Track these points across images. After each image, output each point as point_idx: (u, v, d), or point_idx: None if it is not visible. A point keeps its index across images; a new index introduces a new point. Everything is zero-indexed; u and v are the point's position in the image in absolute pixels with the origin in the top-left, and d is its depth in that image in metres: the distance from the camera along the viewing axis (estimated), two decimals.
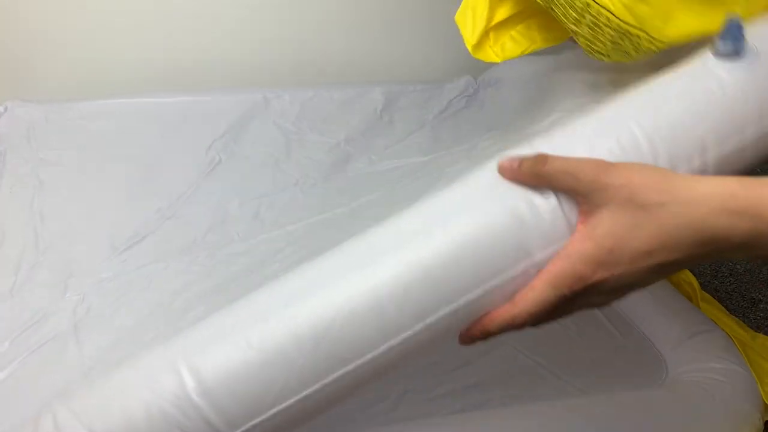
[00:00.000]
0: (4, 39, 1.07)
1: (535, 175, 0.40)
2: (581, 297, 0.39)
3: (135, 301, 0.64)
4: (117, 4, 1.08)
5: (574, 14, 0.63)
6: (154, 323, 0.60)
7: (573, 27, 0.65)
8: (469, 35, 0.70)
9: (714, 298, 0.92)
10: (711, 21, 0.55)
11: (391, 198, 0.77)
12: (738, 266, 1.17)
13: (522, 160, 0.41)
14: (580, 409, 0.65)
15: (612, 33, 0.62)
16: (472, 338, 0.42)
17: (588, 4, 0.61)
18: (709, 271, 1.17)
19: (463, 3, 0.70)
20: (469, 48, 0.70)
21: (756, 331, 0.84)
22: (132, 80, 1.13)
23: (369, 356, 0.38)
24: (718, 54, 0.47)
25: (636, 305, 0.82)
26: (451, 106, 1.06)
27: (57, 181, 0.84)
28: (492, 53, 0.71)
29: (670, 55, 0.61)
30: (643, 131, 0.42)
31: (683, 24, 0.57)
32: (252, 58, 1.18)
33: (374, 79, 1.16)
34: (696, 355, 0.74)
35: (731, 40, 0.46)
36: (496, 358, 0.72)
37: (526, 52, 0.72)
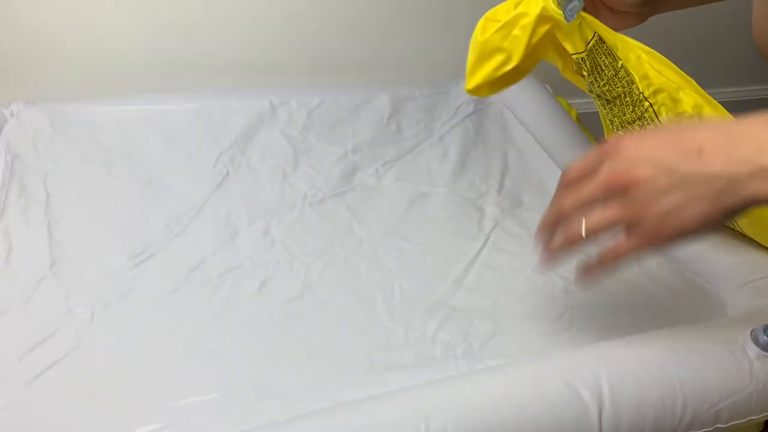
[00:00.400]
0: (7, 38, 1.06)
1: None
2: (615, 157, 0.46)
3: (144, 326, 0.65)
4: (121, 4, 1.07)
5: (633, 113, 0.69)
6: (165, 356, 0.61)
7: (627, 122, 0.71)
8: (477, 79, 0.71)
9: None
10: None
11: (400, 229, 0.79)
12: None
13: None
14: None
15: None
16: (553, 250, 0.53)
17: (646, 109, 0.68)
18: None
19: (478, 47, 0.69)
20: (468, 88, 0.72)
21: None
22: (136, 80, 1.12)
23: None
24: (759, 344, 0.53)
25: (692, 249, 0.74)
26: (458, 113, 1.06)
27: (64, 194, 0.83)
28: (486, 90, 0.73)
29: None
30: None
31: None
32: (257, 60, 1.17)
33: (380, 79, 1.16)
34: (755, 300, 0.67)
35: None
36: None
37: (516, 82, 0.74)
